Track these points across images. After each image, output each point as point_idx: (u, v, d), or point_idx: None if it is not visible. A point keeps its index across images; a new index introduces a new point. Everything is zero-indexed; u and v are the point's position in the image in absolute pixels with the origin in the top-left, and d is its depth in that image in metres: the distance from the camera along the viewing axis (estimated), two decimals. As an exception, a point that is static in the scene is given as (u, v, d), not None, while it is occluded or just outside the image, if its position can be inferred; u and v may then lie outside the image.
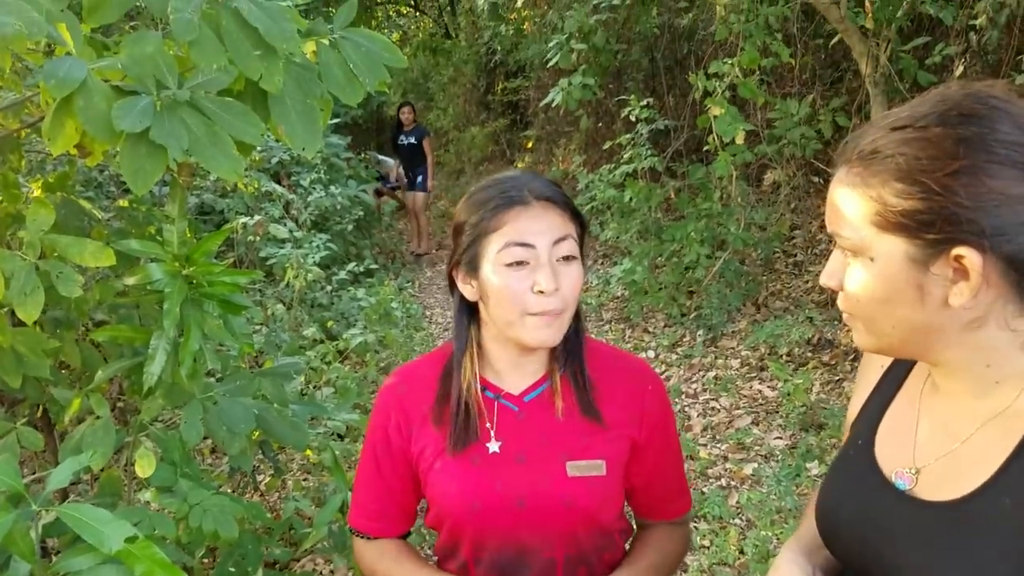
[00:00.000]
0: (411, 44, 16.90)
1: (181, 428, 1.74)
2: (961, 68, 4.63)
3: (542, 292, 1.19)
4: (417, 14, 18.43)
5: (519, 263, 1.19)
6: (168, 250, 1.73)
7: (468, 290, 1.29)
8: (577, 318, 1.31)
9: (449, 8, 16.87)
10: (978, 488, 0.89)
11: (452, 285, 1.34)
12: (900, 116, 0.88)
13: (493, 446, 1.29)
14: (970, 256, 0.83)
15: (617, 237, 6.99)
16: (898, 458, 1.01)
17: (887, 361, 1.11)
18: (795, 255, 6.55)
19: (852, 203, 0.90)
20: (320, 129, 1.81)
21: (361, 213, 7.89)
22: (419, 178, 9.71)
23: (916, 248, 0.85)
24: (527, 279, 1.19)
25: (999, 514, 0.86)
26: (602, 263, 8.06)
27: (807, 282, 6.10)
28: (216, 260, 1.91)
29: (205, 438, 3.96)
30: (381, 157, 11.16)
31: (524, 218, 1.20)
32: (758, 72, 5.60)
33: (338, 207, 7.14)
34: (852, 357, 4.95)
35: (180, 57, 1.88)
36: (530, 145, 12.08)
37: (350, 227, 7.44)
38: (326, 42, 1.95)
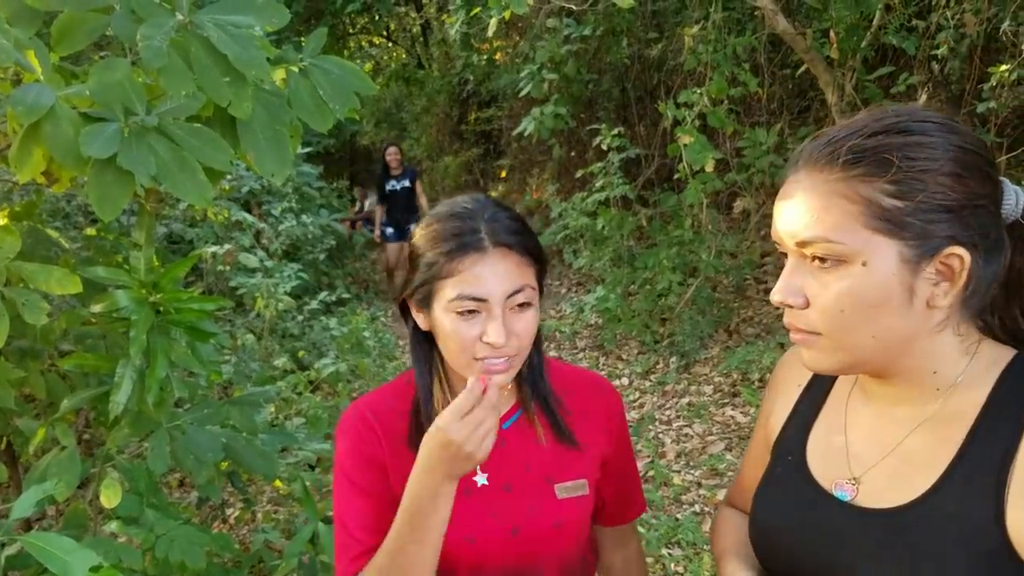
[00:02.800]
0: (384, 74, 16.97)
1: (148, 457, 1.72)
2: (924, 97, 4.73)
3: (491, 343, 1.14)
4: (390, 44, 18.54)
5: (471, 312, 1.14)
6: (135, 277, 1.72)
7: (420, 319, 1.25)
8: (536, 344, 1.27)
9: (422, 39, 16.99)
10: (923, 493, 0.90)
11: (404, 312, 1.30)
12: (876, 122, 0.88)
13: (480, 479, 1.28)
14: (963, 256, 0.85)
15: (590, 265, 7.02)
16: (834, 470, 1.00)
17: (804, 379, 1.12)
18: (766, 281, 6.61)
19: (838, 207, 0.86)
20: (289, 155, 1.82)
21: (333, 242, 7.88)
22: (410, 227, 8.20)
23: (910, 249, 0.85)
24: (477, 327, 1.14)
25: (946, 518, 0.87)
26: (576, 291, 8.08)
27: (778, 308, 6.16)
28: (185, 289, 1.89)
29: (174, 471, 3.90)
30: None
31: (479, 267, 1.13)
32: (727, 101, 5.67)
33: (309, 236, 7.12)
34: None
35: (149, 85, 1.88)
36: (503, 174, 12.14)
37: (322, 256, 7.42)
38: (296, 69, 1.96)
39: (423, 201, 8.53)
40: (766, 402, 1.19)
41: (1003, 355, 0.93)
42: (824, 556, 0.96)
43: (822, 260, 0.88)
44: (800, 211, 0.89)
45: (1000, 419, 0.89)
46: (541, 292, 1.22)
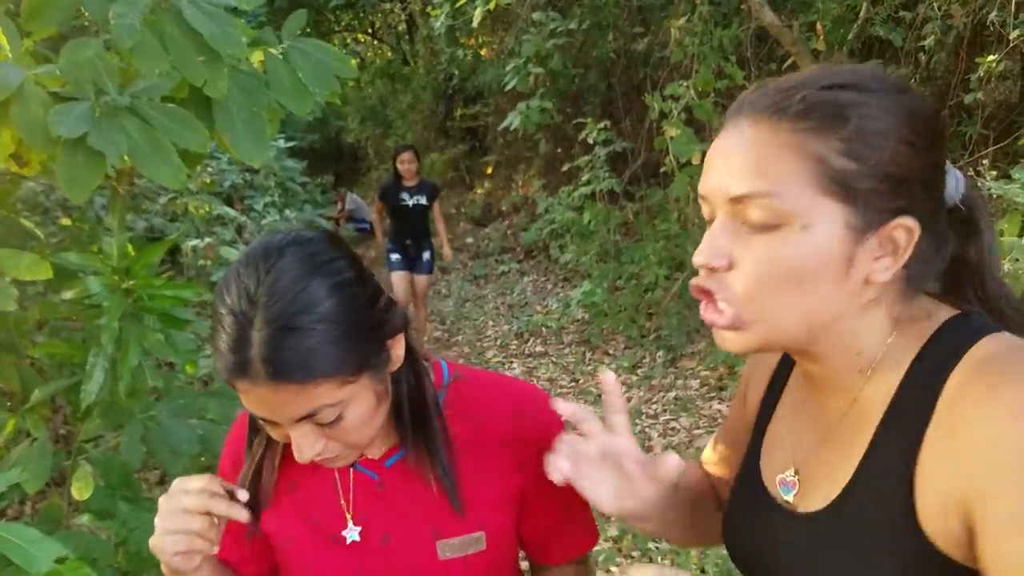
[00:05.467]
0: (369, 71, 16.89)
1: (122, 449, 1.66)
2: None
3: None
4: (375, 41, 18.46)
5: (270, 422, 0.93)
6: (107, 263, 1.66)
7: None
8: (417, 373, 1.05)
9: (407, 35, 16.93)
10: (841, 493, 0.83)
11: None
12: (831, 76, 0.79)
13: (352, 533, 1.08)
14: (913, 228, 0.77)
15: (577, 260, 6.99)
16: (780, 464, 0.94)
17: (773, 363, 1.03)
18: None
19: (784, 162, 0.77)
20: (267, 138, 1.77)
21: (318, 238, 7.80)
22: (425, 255, 6.63)
23: (857, 217, 0.77)
24: (283, 434, 0.94)
25: (863, 520, 0.80)
26: (562, 286, 8.05)
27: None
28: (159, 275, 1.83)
29: (156, 466, 3.82)
30: (357, 199, 10.82)
31: (254, 395, 0.88)
32: (713, 94, 5.65)
33: (293, 231, 7.04)
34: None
35: (124, 67, 1.82)
36: (490, 171, 12.09)
37: (306, 251, 7.34)
38: (274, 51, 1.91)
39: (441, 227, 6.76)
40: (741, 385, 1.11)
41: (930, 324, 0.83)
42: (770, 569, 0.92)
43: (756, 220, 0.78)
44: (740, 163, 0.78)
45: (910, 404, 0.80)
46: (385, 362, 0.96)
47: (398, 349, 0.98)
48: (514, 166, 11.13)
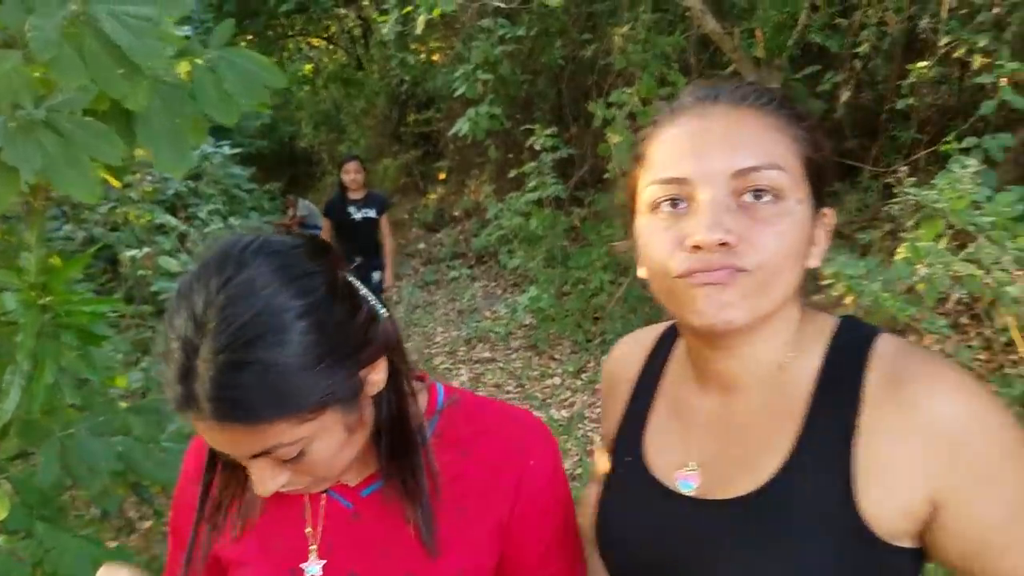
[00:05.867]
0: (323, 75, 16.77)
1: (38, 467, 1.63)
2: (847, 94, 4.83)
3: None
4: (330, 46, 18.31)
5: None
6: (24, 279, 1.63)
7: None
8: (402, 402, 0.94)
9: (362, 40, 16.83)
10: (772, 477, 0.85)
11: None
12: (761, 86, 0.90)
13: (313, 567, 0.96)
14: (833, 218, 0.88)
15: (524, 265, 7.01)
16: (676, 460, 0.95)
17: (634, 373, 1.05)
18: (698, 279, 6.69)
19: (778, 143, 0.83)
20: (188, 150, 1.75)
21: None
22: (375, 273, 6.07)
23: (815, 200, 0.86)
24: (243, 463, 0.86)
25: (797, 502, 0.83)
26: (511, 291, 8.07)
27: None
28: (103, 295, 1.81)
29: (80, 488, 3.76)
30: (310, 205, 10.63)
31: (203, 429, 0.79)
32: (657, 101, 5.72)
33: (240, 240, 6.95)
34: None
35: (45, 79, 1.79)
36: (443, 176, 12.08)
37: (253, 260, 7.24)
38: (201, 61, 1.89)
39: (389, 242, 6.15)
40: (603, 400, 1.13)
41: (826, 321, 0.91)
42: (680, 559, 0.90)
43: (758, 194, 0.81)
44: (743, 139, 0.83)
45: (837, 391, 0.85)
46: (355, 394, 0.86)
47: (377, 373, 0.88)
48: (466, 171, 11.14)
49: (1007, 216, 2.64)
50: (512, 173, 7.29)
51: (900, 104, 4.36)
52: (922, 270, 2.51)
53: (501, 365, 6.23)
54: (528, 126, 7.62)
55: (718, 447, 0.92)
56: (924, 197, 2.63)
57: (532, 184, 6.97)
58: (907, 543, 0.81)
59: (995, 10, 3.90)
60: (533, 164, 7.00)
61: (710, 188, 0.82)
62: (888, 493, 0.79)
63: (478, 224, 9.70)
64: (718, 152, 0.82)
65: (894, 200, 2.93)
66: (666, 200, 0.84)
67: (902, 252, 2.66)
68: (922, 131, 4.77)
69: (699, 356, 0.94)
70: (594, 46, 7.59)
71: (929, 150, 4.52)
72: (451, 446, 0.99)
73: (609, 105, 5.67)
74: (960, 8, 4.05)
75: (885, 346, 0.86)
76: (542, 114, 8.67)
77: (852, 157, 5.33)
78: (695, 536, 0.89)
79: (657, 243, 0.85)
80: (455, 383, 5.93)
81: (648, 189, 0.86)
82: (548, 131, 6.88)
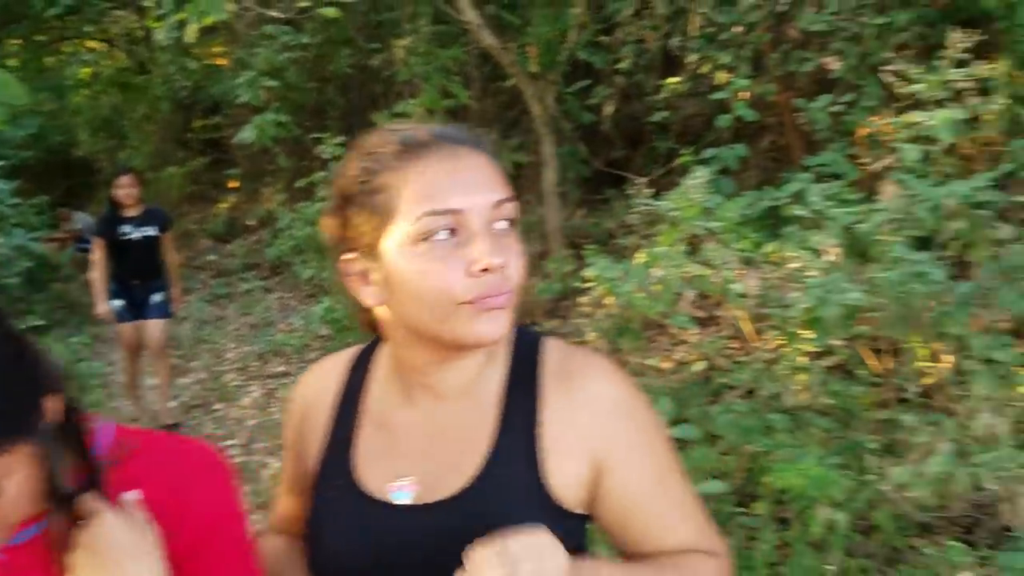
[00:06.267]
0: (101, 80, 15.70)
1: None
2: (611, 108, 5.15)
3: None
4: (110, 49, 17.15)
5: None
6: None
7: None
8: (72, 460, 0.89)
9: (144, 42, 15.91)
10: (477, 475, 0.95)
11: None
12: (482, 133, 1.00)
13: None
14: None
15: (318, 275, 6.94)
16: (388, 474, 1.01)
17: (331, 397, 1.09)
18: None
19: (504, 180, 0.96)
20: None
21: (30, 264, 7.13)
22: (157, 296, 5.52)
23: None
24: None
25: (501, 495, 0.94)
26: (307, 303, 7.94)
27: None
28: None
29: None
30: (87, 218, 9.80)
31: None
32: (442, 113, 5.84)
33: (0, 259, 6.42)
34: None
35: None
36: (234, 184, 11.67)
37: (16, 280, 6.70)
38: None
39: (174, 260, 5.67)
40: (291, 435, 1.13)
41: None
42: (403, 566, 0.96)
43: (509, 219, 0.93)
44: (493, 176, 0.94)
45: (521, 390, 0.99)
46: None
47: (48, 414, 0.85)
48: (259, 179, 10.83)
49: (733, 221, 2.94)
50: (301, 183, 7.19)
51: (657, 117, 4.72)
52: (658, 272, 2.75)
53: (295, 379, 6.11)
54: (318, 134, 7.55)
55: (428, 455, 0.99)
56: (658, 207, 2.89)
57: (322, 193, 6.90)
58: (585, 510, 0.97)
59: (735, 29, 4.31)
60: (323, 173, 6.94)
61: (480, 219, 0.91)
62: (566, 467, 0.95)
63: (272, 234, 9.46)
64: (483, 187, 0.92)
65: (634, 210, 3.19)
66: (442, 230, 0.90)
67: (641, 257, 2.91)
68: (679, 141, 5.18)
69: (416, 371, 1.01)
70: (382, 55, 7.63)
71: (689, 159, 4.92)
72: (121, 485, 0.93)
73: (395, 115, 5.74)
74: (707, 27, 4.44)
75: (551, 348, 1.03)
76: (333, 122, 8.60)
77: (619, 166, 5.70)
78: (415, 541, 0.96)
79: (438, 271, 0.90)
80: (246, 400, 5.78)
81: (422, 220, 0.90)
82: (337, 140, 6.84)
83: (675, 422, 3.14)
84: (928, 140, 2.69)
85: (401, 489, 0.99)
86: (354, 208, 0.96)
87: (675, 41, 4.59)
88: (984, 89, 3.43)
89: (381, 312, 0.99)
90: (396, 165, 0.93)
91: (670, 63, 5.41)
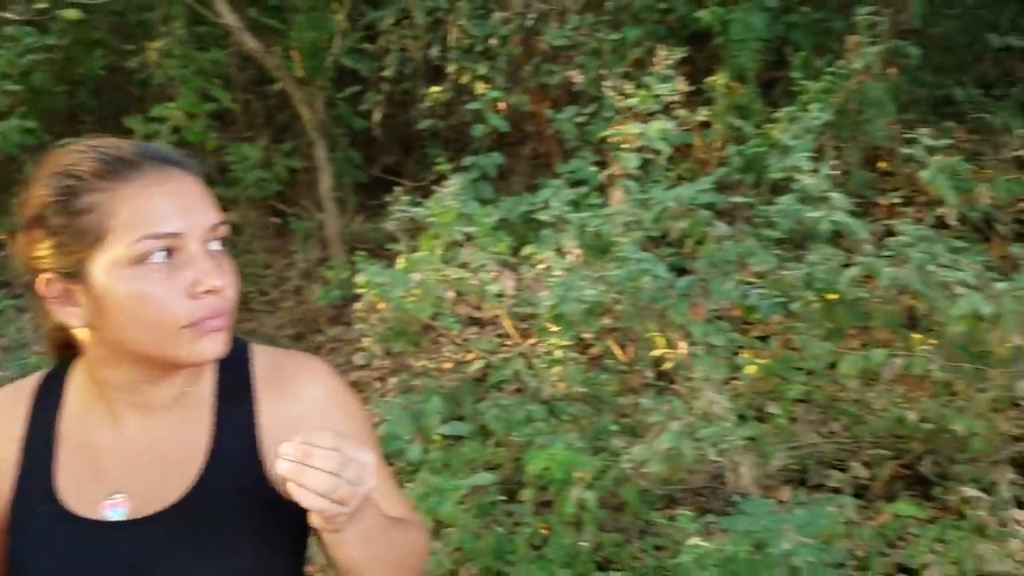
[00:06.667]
0: None
1: None
2: (379, 115, 5.21)
3: None
4: None
5: None
6: None
7: None
8: None
9: None
10: (197, 481, 0.99)
11: None
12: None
13: None
14: None
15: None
16: (99, 495, 1.00)
17: (18, 430, 1.05)
18: (268, 293, 6.71)
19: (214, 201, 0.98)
20: None
21: None
22: None
23: None
24: None
25: (224, 496, 0.99)
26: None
27: (280, 319, 6.29)
28: None
29: None
30: None
31: None
32: (205, 116, 5.64)
33: None
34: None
35: None
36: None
37: None
38: None
39: None
40: None
41: None
42: None
43: (221, 241, 0.96)
44: (206, 199, 0.97)
45: (234, 394, 1.04)
46: None
47: None
48: (6, 190, 9.89)
49: (489, 226, 3.10)
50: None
51: (422, 124, 4.83)
52: (417, 277, 2.87)
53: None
54: (71, 140, 7.02)
55: (141, 470, 1.00)
56: (415, 213, 3.00)
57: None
58: None
59: (491, 41, 4.50)
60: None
61: (198, 241, 0.93)
62: None
63: (24, 248, 8.67)
64: (199, 209, 0.95)
65: (392, 217, 3.28)
66: (160, 252, 0.91)
67: (400, 263, 3.01)
68: (448, 148, 5.32)
69: (121, 389, 1.01)
70: (138, 57, 7.23)
71: (453, 166, 5.07)
72: None
73: (151, 120, 5.49)
74: (464, 39, 4.61)
75: (260, 353, 1.09)
76: (87, 127, 8.04)
77: (396, 172, 5.78)
78: (132, 556, 0.96)
79: (157, 295, 0.91)
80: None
81: (139, 244, 0.90)
82: (91, 146, 6.42)
83: (445, 420, 3.25)
84: (655, 150, 2.97)
85: (115, 506, 0.99)
86: (51, 228, 0.93)
87: (435, 51, 4.71)
88: (708, 100, 3.84)
89: (82, 333, 0.98)
90: (103, 186, 0.92)
91: (439, 72, 5.55)
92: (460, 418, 3.45)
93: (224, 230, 0.97)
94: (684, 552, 2.21)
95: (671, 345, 3.00)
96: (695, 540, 2.30)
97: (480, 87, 4.32)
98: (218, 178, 6.10)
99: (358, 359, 5.01)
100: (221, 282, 0.93)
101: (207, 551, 0.97)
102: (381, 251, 4.83)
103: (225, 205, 5.27)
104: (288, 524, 0.99)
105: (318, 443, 0.84)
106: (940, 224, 3.18)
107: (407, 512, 1.12)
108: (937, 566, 2.47)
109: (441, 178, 4.31)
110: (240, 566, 0.98)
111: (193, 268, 0.92)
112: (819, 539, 2.36)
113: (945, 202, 2.72)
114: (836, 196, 2.54)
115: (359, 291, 3.57)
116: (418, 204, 3.24)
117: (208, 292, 0.92)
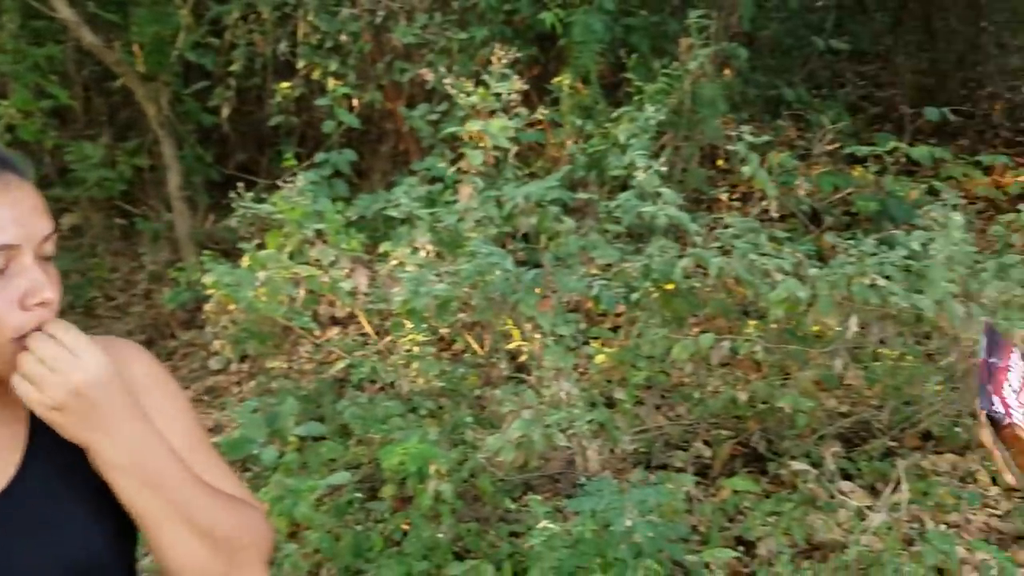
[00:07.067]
0: None
1: None
2: (228, 111, 5.08)
3: None
4: None
5: None
6: None
7: None
8: None
9: None
10: (19, 467, 0.97)
11: None
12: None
13: None
14: None
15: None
16: None
17: None
18: (116, 298, 6.43)
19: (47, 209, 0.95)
20: None
21: None
22: None
23: None
24: None
25: (49, 475, 0.97)
26: None
27: (128, 324, 6.05)
28: None
29: None
30: None
31: None
32: (40, 113, 5.35)
33: None
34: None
35: None
36: None
37: None
38: None
39: None
40: None
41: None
42: None
43: (50, 251, 0.93)
44: (39, 208, 0.93)
45: None
46: None
47: None
48: None
49: (340, 224, 3.10)
50: None
51: (273, 121, 4.75)
52: (263, 275, 2.84)
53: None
54: None
55: None
56: (260, 210, 2.97)
57: None
58: None
59: (341, 37, 4.48)
60: None
61: (31, 252, 0.90)
62: None
63: None
64: (34, 220, 0.91)
65: (236, 215, 3.23)
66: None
67: (246, 261, 2.97)
68: (302, 145, 5.25)
69: None
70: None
71: (307, 163, 5.00)
72: None
73: (-21, 118, 5.15)
74: (314, 34, 4.56)
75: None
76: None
77: (249, 170, 5.64)
78: None
79: None
80: None
81: None
82: (-89, 146, 5.98)
83: (301, 421, 3.22)
84: (502, 148, 3.05)
85: None
86: None
87: (284, 47, 4.65)
88: (556, 99, 3.96)
89: None
90: None
91: (291, 68, 5.45)
92: (320, 419, 3.44)
93: (52, 241, 0.95)
94: (534, 535, 2.29)
95: (525, 338, 3.09)
96: (544, 524, 2.40)
97: (331, 83, 4.28)
98: (57, 179, 5.81)
99: (214, 363, 4.88)
100: (53, 295, 0.92)
101: (35, 540, 0.95)
102: (235, 251, 4.73)
103: (66, 207, 5.07)
104: (118, 513, 0.99)
105: (51, 332, 0.89)
106: (769, 217, 3.42)
107: (244, 495, 1.11)
108: (771, 538, 2.66)
109: (295, 176, 4.27)
110: (72, 556, 0.96)
111: (26, 278, 0.90)
112: (662, 516, 2.51)
113: (767, 196, 2.92)
114: (667, 192, 2.69)
115: (208, 292, 3.49)
116: (262, 201, 3.19)
117: (40, 304, 0.91)
